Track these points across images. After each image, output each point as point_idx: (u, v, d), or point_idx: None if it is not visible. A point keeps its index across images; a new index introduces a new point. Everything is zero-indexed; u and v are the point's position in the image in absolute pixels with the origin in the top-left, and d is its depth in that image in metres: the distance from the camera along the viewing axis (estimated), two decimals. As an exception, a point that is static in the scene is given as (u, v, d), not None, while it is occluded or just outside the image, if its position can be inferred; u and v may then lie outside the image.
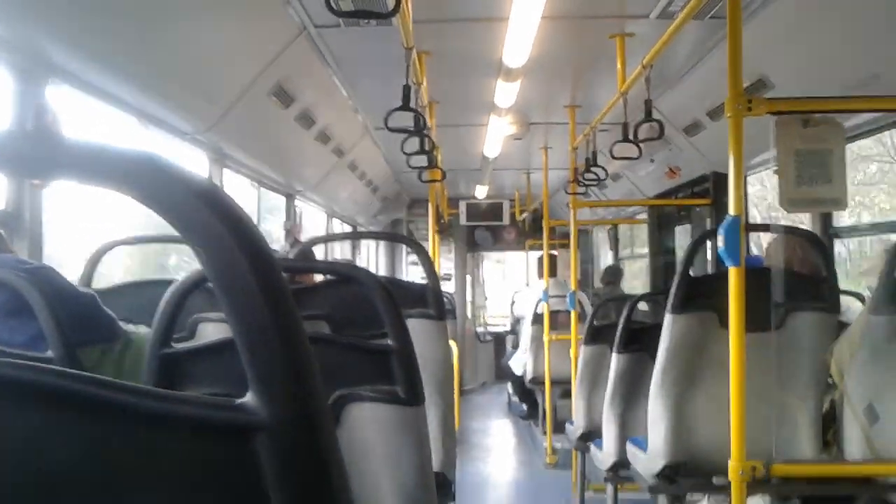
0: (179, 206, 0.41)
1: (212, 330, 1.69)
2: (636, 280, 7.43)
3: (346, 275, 1.40)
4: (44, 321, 1.10)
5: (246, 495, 0.42)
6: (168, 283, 1.24)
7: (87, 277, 2.11)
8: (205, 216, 0.41)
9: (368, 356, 1.27)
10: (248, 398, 0.42)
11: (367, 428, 1.24)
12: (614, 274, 6.79)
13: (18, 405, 0.41)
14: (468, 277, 9.76)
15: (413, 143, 3.31)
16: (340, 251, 7.40)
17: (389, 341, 1.26)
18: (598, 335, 3.44)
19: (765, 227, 2.38)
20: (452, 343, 5.01)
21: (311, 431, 0.42)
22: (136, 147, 0.43)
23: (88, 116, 2.71)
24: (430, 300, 1.99)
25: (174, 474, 0.42)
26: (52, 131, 2.10)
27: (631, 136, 3.34)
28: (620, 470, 2.92)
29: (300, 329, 0.43)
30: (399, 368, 1.24)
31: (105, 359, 1.20)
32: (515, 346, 7.67)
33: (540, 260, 6.67)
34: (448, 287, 8.98)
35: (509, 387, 7.72)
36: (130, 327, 1.29)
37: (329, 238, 5.19)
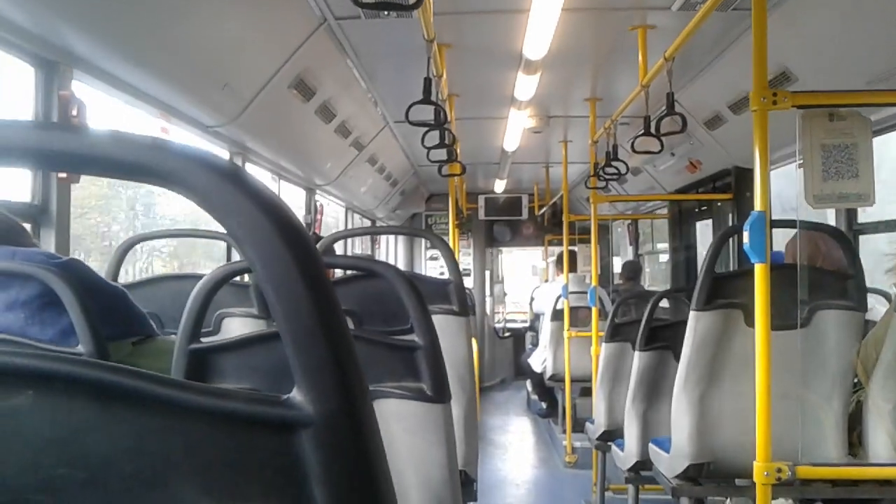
0: (224, 200, 0.41)
1: (237, 325, 1.70)
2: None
3: (373, 270, 1.40)
4: (74, 316, 1.11)
5: (290, 490, 0.42)
6: (195, 277, 1.24)
7: (114, 271, 2.12)
8: (249, 210, 0.41)
9: (395, 351, 1.27)
10: (295, 393, 0.42)
11: (394, 424, 1.24)
12: (634, 270, 6.75)
13: (66, 398, 0.41)
14: (487, 273, 9.74)
15: (433, 137, 3.30)
16: (361, 246, 7.42)
17: (415, 337, 1.25)
18: (619, 332, 3.43)
19: (791, 224, 2.35)
20: (472, 339, 5.00)
21: (357, 427, 0.42)
22: (168, 138, 0.43)
23: (111, 111, 2.73)
24: (452, 295, 1.98)
25: (218, 468, 0.42)
26: (79, 123, 2.12)
27: (652, 130, 3.31)
28: (642, 470, 2.90)
29: (344, 325, 0.43)
30: (426, 365, 1.24)
31: (134, 353, 1.21)
32: (535, 343, 7.66)
33: (559, 255, 6.66)
34: (467, 282, 8.98)
35: (528, 384, 7.70)
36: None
37: (351, 233, 5.19)
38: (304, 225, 0.42)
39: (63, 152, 0.41)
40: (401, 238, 9.00)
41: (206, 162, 0.41)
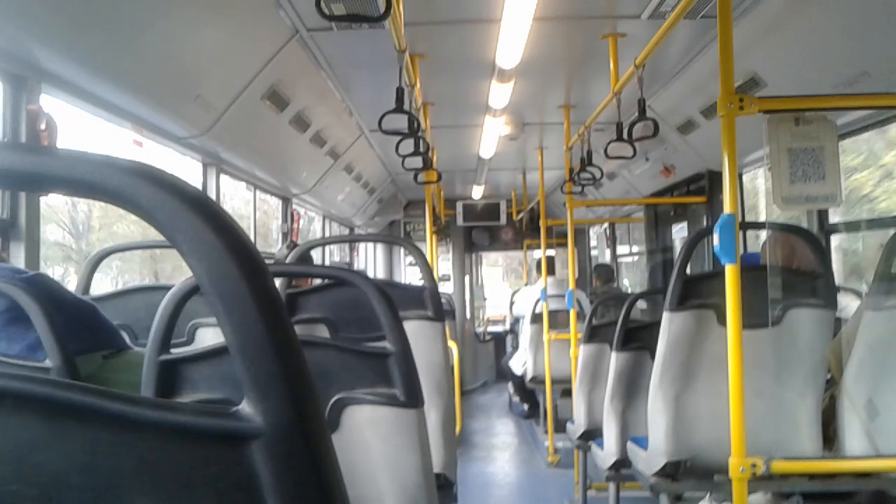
0: (169, 215, 0.41)
1: (211, 335, 1.69)
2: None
3: (344, 279, 1.40)
4: (41, 330, 1.10)
5: (242, 502, 0.42)
6: (166, 288, 1.24)
7: (85, 284, 2.10)
8: (195, 225, 0.41)
9: (367, 359, 1.27)
10: (244, 405, 0.42)
11: (367, 430, 1.24)
12: (608, 272, 6.81)
13: (16, 415, 0.42)
14: (466, 277, 9.76)
15: (408, 145, 3.31)
16: (339, 253, 7.40)
17: (387, 344, 1.26)
18: (596, 334, 3.45)
19: (760, 225, 2.39)
20: (452, 344, 5.01)
21: (306, 437, 0.42)
22: (126, 157, 0.43)
23: (82, 123, 2.71)
24: (427, 302, 1.99)
25: (170, 482, 0.42)
26: (42, 142, 2.10)
27: (625, 136, 3.35)
28: (622, 468, 2.93)
29: (292, 336, 0.44)
30: (398, 371, 1.25)
31: (104, 367, 1.20)
32: (515, 346, 7.68)
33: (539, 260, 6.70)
34: (447, 288, 8.99)
35: (510, 386, 7.72)
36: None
37: (326, 241, 5.18)
38: (248, 236, 0.43)
39: (13, 171, 0.42)
40: (380, 245, 9.00)
41: (149, 176, 0.41)
